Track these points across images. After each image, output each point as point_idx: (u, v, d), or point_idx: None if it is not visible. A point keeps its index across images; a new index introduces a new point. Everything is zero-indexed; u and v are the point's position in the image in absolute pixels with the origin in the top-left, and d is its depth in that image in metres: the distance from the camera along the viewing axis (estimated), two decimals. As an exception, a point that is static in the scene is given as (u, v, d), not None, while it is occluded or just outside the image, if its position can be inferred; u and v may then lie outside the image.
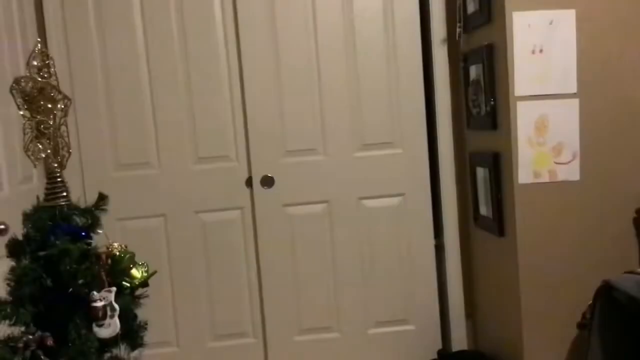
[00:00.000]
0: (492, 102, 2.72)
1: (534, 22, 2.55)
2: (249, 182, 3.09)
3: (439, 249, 3.33)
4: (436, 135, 3.21)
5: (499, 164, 2.73)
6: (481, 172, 2.93)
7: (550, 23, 2.55)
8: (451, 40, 3.11)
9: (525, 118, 2.58)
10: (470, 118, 3.02)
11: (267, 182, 3.07)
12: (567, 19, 2.55)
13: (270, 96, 3.06)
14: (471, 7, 2.89)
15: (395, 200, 3.17)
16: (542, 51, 2.56)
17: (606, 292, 2.25)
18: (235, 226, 3.12)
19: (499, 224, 2.75)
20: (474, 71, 2.90)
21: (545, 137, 2.59)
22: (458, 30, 3.00)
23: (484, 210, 2.93)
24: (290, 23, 3.04)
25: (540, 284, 2.62)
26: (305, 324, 3.18)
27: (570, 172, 2.61)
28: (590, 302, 2.32)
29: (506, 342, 2.85)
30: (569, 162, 2.61)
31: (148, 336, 1.86)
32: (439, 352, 3.22)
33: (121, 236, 2.92)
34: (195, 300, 3.13)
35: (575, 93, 2.57)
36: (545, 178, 2.61)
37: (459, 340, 3.25)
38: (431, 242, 3.20)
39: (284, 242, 3.13)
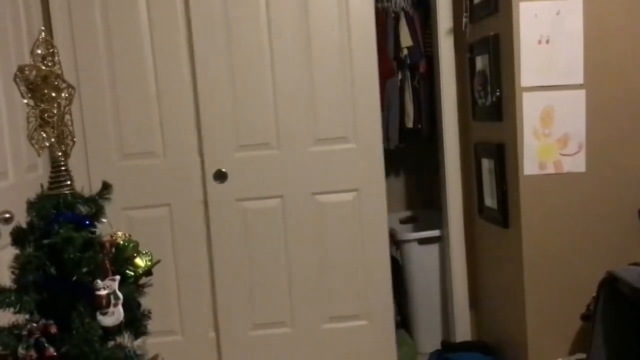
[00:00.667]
0: (497, 93, 2.71)
1: (541, 12, 2.54)
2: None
3: (443, 239, 3.32)
4: (441, 126, 3.20)
5: (504, 155, 2.72)
6: (486, 163, 2.92)
7: (557, 13, 2.54)
8: (457, 30, 3.10)
9: (530, 109, 2.57)
10: (475, 109, 3.01)
11: (220, 176, 3.04)
12: (574, 9, 2.53)
13: (223, 90, 3.02)
14: (478, -3, 2.88)
15: (349, 196, 3.12)
16: (548, 42, 2.54)
17: (610, 284, 2.25)
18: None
19: (504, 215, 2.75)
20: (480, 62, 2.89)
21: (551, 128, 2.58)
22: (464, 20, 2.98)
23: (489, 201, 2.92)
24: (244, 17, 3.00)
25: (544, 275, 2.62)
26: (259, 319, 3.14)
27: (576, 163, 2.60)
28: (595, 293, 2.32)
29: (510, 333, 2.85)
30: (575, 153, 2.59)
31: (152, 325, 1.87)
32: (443, 343, 3.23)
33: (126, 225, 2.94)
34: (198, 289, 3.13)
35: (581, 84, 2.55)
36: (550, 169, 2.60)
37: (463, 331, 3.25)
38: (385, 237, 3.15)
39: (238, 237, 3.09)
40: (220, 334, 3.14)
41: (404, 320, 3.62)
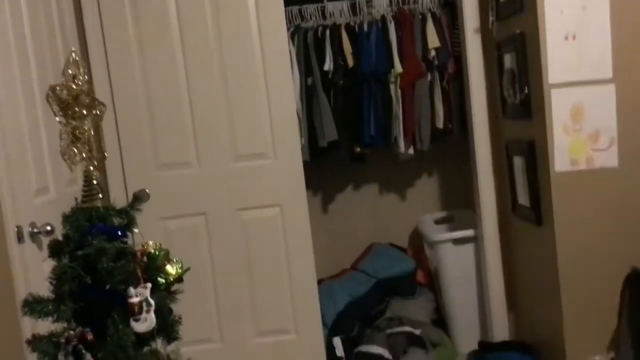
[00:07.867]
0: (526, 91, 2.70)
1: (567, 8, 2.52)
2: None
3: (478, 239, 3.31)
4: (472, 125, 3.19)
5: (535, 153, 2.71)
6: (518, 161, 2.90)
7: (583, 8, 2.51)
8: (484, 29, 3.08)
9: (560, 105, 2.55)
10: (505, 107, 2.99)
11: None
12: (600, 3, 2.51)
13: (141, 110, 3.07)
14: (503, -5, 2.86)
15: (271, 211, 3.14)
16: (575, 37, 2.52)
17: (636, 278, 2.23)
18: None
19: (537, 213, 2.73)
20: (508, 60, 2.87)
21: (582, 124, 2.56)
22: (491, 19, 2.97)
23: (522, 199, 2.90)
24: (158, 37, 3.04)
25: (579, 272, 2.59)
26: (186, 335, 3.13)
27: (609, 158, 2.56)
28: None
29: (547, 331, 2.82)
30: (607, 148, 2.56)
31: (192, 333, 1.91)
32: (480, 343, 3.21)
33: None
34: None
35: (610, 78, 2.52)
36: (582, 165, 2.57)
37: (501, 331, 3.22)
38: (310, 252, 3.15)
39: None
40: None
41: (441, 321, 3.61)
